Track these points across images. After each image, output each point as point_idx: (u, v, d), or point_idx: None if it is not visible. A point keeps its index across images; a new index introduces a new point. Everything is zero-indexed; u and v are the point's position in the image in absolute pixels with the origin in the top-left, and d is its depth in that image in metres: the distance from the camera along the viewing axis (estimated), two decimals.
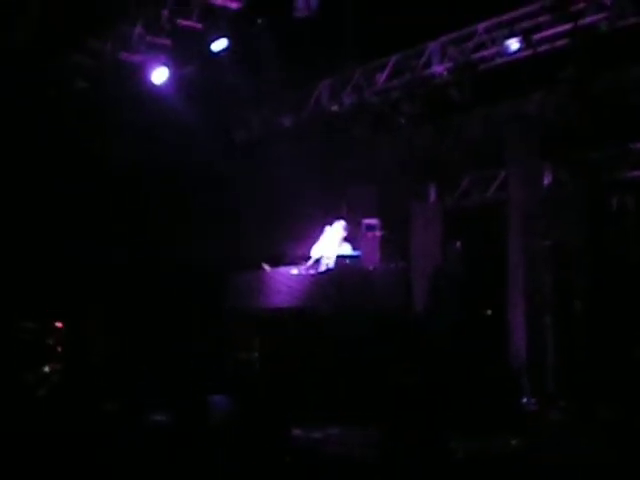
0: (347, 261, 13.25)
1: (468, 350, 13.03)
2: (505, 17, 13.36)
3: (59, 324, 15.56)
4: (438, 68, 14.29)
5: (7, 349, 13.80)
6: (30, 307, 15.27)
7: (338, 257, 13.27)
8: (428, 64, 14.40)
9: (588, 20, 12.51)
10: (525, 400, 12.89)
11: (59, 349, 14.86)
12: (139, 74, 14.77)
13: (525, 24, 13.13)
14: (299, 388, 12.01)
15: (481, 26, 13.69)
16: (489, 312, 15.55)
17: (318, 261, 13.44)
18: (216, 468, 8.08)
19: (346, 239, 13.78)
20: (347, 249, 13.68)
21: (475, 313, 14.89)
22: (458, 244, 14.81)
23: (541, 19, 12.98)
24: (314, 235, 14.10)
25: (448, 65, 14.17)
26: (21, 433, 8.79)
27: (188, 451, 8.43)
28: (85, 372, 13.82)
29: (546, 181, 15.14)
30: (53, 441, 8.56)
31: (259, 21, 14.14)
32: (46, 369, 13.71)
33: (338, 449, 9.81)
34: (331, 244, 13.62)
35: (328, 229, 13.76)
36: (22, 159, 15.36)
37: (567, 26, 12.71)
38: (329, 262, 13.31)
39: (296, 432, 10.09)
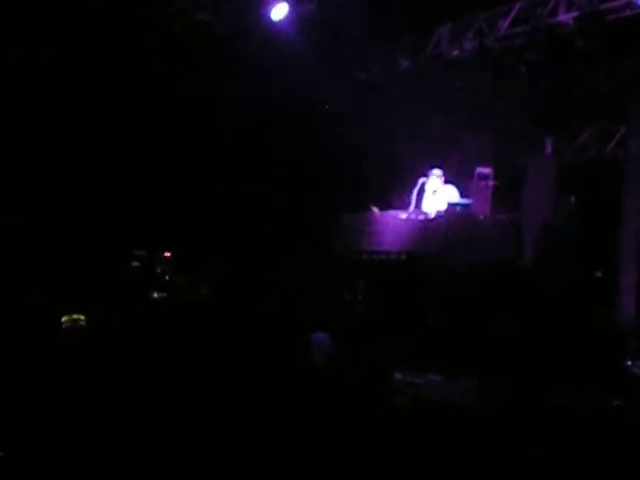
0: (457, 209, 13.13)
1: (574, 307, 12.84)
2: None
3: (167, 254, 15.86)
4: (564, 17, 13.85)
5: (120, 275, 14.12)
6: (142, 237, 15.60)
7: (449, 204, 13.16)
8: (554, 12, 13.97)
9: None
10: (630, 363, 12.63)
11: (166, 277, 15.16)
12: (259, 9, 14.70)
13: None
14: (401, 332, 12.00)
15: None
16: (598, 274, 15.28)
17: (420, 206, 13.40)
18: (317, 403, 8.13)
19: (448, 182, 13.68)
20: (452, 194, 13.53)
21: (584, 271, 14.64)
22: (572, 199, 14.50)
23: None
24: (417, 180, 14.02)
25: (574, 14, 13.73)
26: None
27: (291, 387, 8.52)
28: (192, 302, 14.05)
29: None
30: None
31: None
32: (155, 296, 14.00)
33: (438, 394, 9.78)
34: (433, 190, 13.54)
35: (423, 184, 13.70)
36: (146, 90, 15.59)
37: None
38: (436, 208, 13.22)
39: (397, 376, 10.10)
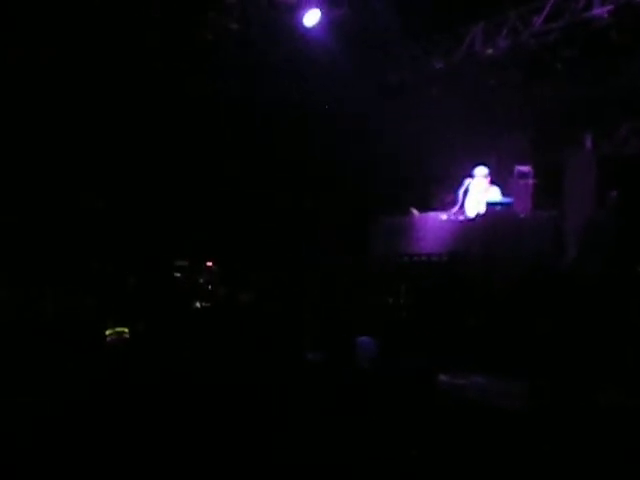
0: (497, 208, 13.06)
1: (615, 304, 12.69)
2: None
3: (209, 264, 15.92)
4: (599, 10, 13.71)
5: (163, 286, 14.20)
6: (184, 247, 15.68)
7: (488, 204, 13.09)
8: (588, 6, 13.82)
9: None
10: None
11: (209, 287, 15.22)
12: (292, 16, 14.72)
13: None
14: (446, 334, 11.93)
15: None
16: None
17: (464, 206, 13.31)
18: (363, 408, 8.11)
19: (493, 183, 13.56)
20: (496, 194, 13.45)
21: (627, 267, 14.46)
22: (614, 194, 14.33)
23: None
24: (462, 181, 13.95)
25: (609, 7, 13.57)
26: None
27: (338, 389, 8.50)
28: (234, 311, 14.08)
29: None
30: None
31: None
32: (197, 305, 14.06)
33: (481, 396, 9.71)
34: (479, 190, 13.43)
35: (468, 184, 13.60)
36: (179, 98, 15.69)
37: None
38: (479, 208, 13.14)
39: (441, 377, 10.03)
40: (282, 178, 16.72)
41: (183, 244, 15.72)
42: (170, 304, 13.35)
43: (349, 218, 16.10)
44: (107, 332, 9.74)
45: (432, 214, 13.89)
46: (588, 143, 16.15)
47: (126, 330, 9.76)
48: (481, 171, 13.86)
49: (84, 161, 15.33)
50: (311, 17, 14.60)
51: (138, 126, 15.64)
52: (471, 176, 13.84)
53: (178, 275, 15.34)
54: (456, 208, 13.68)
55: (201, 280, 15.41)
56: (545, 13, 14.43)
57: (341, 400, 8.31)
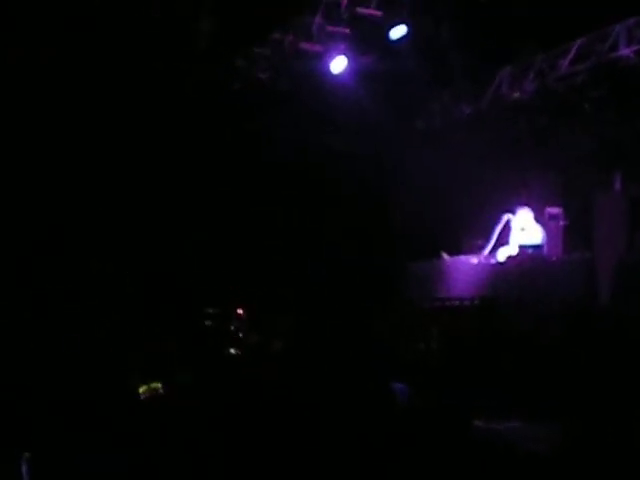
0: (529, 251, 13.02)
1: None
2: None
3: (240, 311, 15.91)
4: (625, 51, 13.73)
5: (192, 334, 14.19)
6: (214, 294, 15.70)
7: (520, 247, 13.06)
8: (614, 47, 13.86)
9: None
10: None
11: (240, 335, 15.19)
12: (319, 63, 14.85)
13: None
14: (479, 379, 11.84)
15: None
16: None
17: (494, 251, 13.27)
18: (396, 455, 8.05)
19: (535, 226, 13.53)
20: (536, 237, 13.38)
21: None
22: None
23: None
24: (493, 224, 13.91)
25: (635, 48, 13.61)
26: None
27: (372, 436, 8.44)
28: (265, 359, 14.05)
29: None
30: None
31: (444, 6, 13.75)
32: (231, 352, 14.03)
33: (518, 442, 9.60)
34: (515, 233, 13.41)
35: (512, 217, 13.53)
36: (206, 146, 15.85)
37: None
38: (511, 251, 13.11)
39: (477, 423, 9.95)
40: (312, 228, 16.74)
41: (214, 292, 15.75)
42: (202, 353, 13.33)
43: (382, 264, 16.08)
44: (140, 390, 9.64)
45: (463, 257, 13.87)
46: (617, 184, 16.08)
47: (159, 385, 9.69)
48: (524, 211, 13.80)
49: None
50: (338, 64, 14.69)
51: (152, 165, 15.77)
52: (511, 212, 13.76)
53: (209, 323, 15.34)
54: (492, 244, 13.61)
55: (232, 327, 15.40)
56: (571, 56, 14.48)
57: (380, 445, 8.27)
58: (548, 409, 10.42)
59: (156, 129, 15.53)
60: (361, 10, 13.98)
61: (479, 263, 13.45)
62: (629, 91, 14.31)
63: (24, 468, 7.13)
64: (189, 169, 16.09)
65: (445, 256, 14.21)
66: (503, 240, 13.73)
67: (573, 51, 14.45)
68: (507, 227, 13.54)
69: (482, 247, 14.02)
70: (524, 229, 13.34)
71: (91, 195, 15.32)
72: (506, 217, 13.74)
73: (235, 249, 16.45)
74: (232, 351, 13.90)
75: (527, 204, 14.10)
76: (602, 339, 11.85)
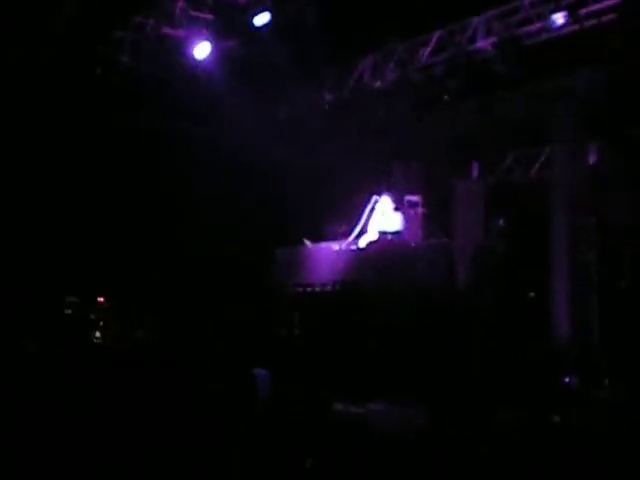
0: (389, 237, 13.20)
1: (509, 328, 12.97)
2: None
3: (101, 299, 15.67)
4: (483, 43, 14.07)
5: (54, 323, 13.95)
6: (75, 283, 15.43)
7: (380, 233, 13.22)
8: (473, 39, 14.20)
9: None
10: (567, 379, 12.76)
11: (101, 323, 14.99)
12: (181, 49, 14.71)
13: None
14: (340, 364, 11.98)
15: (527, 1, 13.47)
16: (532, 294, 15.44)
17: (359, 236, 13.40)
18: (259, 439, 8.08)
19: (393, 213, 13.71)
20: (398, 220, 13.53)
21: (517, 292, 14.81)
22: (501, 222, 14.69)
23: None
24: (356, 211, 14.04)
25: (493, 40, 13.95)
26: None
27: (235, 421, 8.46)
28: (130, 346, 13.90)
29: (591, 159, 14.99)
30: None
31: None
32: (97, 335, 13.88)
33: (379, 425, 9.75)
34: (375, 219, 13.56)
35: (375, 203, 13.68)
36: (73, 131, 15.55)
37: (614, 0, 12.47)
38: (371, 237, 13.26)
39: (337, 407, 10.06)
40: (173, 216, 16.59)
41: (74, 279, 15.46)
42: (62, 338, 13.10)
43: (244, 251, 16.06)
44: None
45: (324, 244, 13.96)
46: (475, 172, 16.53)
47: None
48: (385, 198, 13.97)
49: None
50: (201, 50, 14.57)
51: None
52: (378, 194, 13.91)
53: (69, 312, 15.06)
54: (355, 233, 13.74)
55: (93, 316, 15.16)
56: (431, 46, 14.75)
57: (237, 431, 8.28)
58: (408, 392, 10.62)
59: (15, 116, 15.12)
60: None
61: (340, 249, 13.56)
62: (486, 83, 14.68)
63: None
64: (51, 156, 15.71)
65: (307, 243, 14.27)
66: (366, 226, 13.89)
67: (433, 42, 14.72)
68: (371, 212, 13.69)
69: (344, 233, 14.12)
70: (384, 215, 13.50)
71: None
72: (374, 200, 13.87)
73: (96, 237, 16.16)
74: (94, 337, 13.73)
75: (388, 191, 14.28)
76: (457, 323, 12.17)
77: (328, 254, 13.64)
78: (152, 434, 7.88)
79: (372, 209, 13.60)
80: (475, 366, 11.23)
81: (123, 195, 16.28)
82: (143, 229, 16.39)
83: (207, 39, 14.47)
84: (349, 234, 13.73)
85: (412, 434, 8.79)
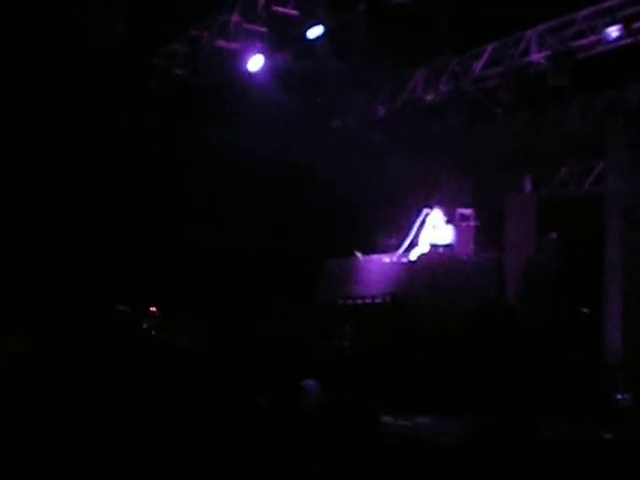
0: (440, 250, 13.20)
1: (562, 343, 12.85)
2: (605, 5, 13.03)
3: (153, 309, 15.81)
4: (536, 56, 14.00)
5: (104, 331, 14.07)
6: (127, 292, 15.58)
7: (431, 246, 13.23)
8: (526, 52, 14.13)
9: None
10: (620, 396, 12.62)
11: (153, 333, 15.10)
12: (235, 61, 14.84)
13: (625, 12, 12.79)
14: (389, 376, 11.97)
15: (580, 14, 13.38)
16: (585, 310, 15.29)
17: (410, 249, 13.42)
18: (307, 450, 8.10)
19: (445, 226, 13.71)
20: (450, 233, 13.54)
21: (570, 306, 14.67)
22: (553, 235, 14.57)
23: None
24: (407, 223, 14.06)
25: (546, 53, 13.88)
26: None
27: (283, 433, 8.48)
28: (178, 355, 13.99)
29: None
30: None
31: (360, 7, 13.83)
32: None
33: (427, 436, 9.73)
34: (426, 232, 13.57)
35: (426, 216, 13.71)
36: (124, 143, 15.75)
37: None
38: (422, 250, 13.27)
39: (386, 419, 10.06)
40: (228, 225, 16.71)
41: (126, 288, 15.62)
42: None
43: (296, 263, 16.13)
44: None
45: (376, 257, 14.00)
46: (528, 186, 16.42)
47: None
48: (437, 211, 13.98)
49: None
50: (255, 63, 14.69)
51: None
52: (429, 207, 13.92)
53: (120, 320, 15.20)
54: (405, 245, 13.77)
55: (145, 325, 15.29)
56: (484, 59, 14.71)
57: (286, 443, 8.30)
58: (457, 406, 10.59)
59: (74, 128, 15.38)
60: (278, 9, 14.02)
61: (391, 262, 13.59)
62: (539, 95, 14.61)
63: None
64: (105, 169, 15.93)
65: (359, 255, 14.32)
66: (416, 239, 13.90)
67: (486, 55, 14.68)
68: (422, 225, 13.73)
69: (395, 246, 14.15)
70: (436, 228, 13.52)
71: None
72: (424, 213, 13.90)
73: (149, 248, 16.34)
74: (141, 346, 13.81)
75: (439, 204, 14.29)
76: (509, 336, 12.09)
77: (379, 266, 13.69)
78: (199, 446, 7.93)
79: (423, 222, 13.61)
80: (526, 381, 11.14)
81: (175, 208, 16.44)
82: (195, 241, 16.53)
83: (261, 52, 14.59)
84: (400, 246, 13.76)
85: (460, 447, 8.76)
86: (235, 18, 14.40)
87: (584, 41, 13.42)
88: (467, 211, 14.19)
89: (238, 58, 14.82)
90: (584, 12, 13.33)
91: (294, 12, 14.05)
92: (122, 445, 7.83)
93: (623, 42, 12.95)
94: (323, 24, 13.98)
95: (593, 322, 14.45)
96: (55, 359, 10.34)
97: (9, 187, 14.97)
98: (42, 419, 8.22)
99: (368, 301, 13.46)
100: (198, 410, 9.07)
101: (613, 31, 12.93)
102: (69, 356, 10.80)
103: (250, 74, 14.89)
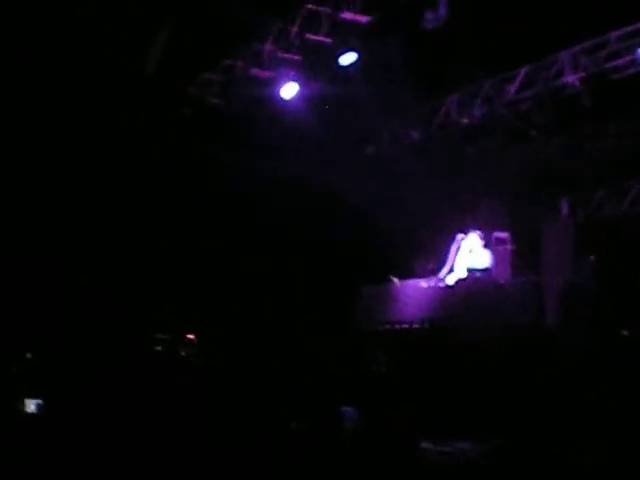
0: (477, 274, 13.14)
1: (602, 368, 12.71)
2: (638, 25, 12.98)
3: (191, 336, 15.86)
4: (570, 78, 13.96)
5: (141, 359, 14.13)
6: (164, 320, 15.66)
7: (469, 270, 13.18)
8: (560, 74, 14.09)
9: None
10: None
11: (191, 360, 15.15)
12: (269, 89, 14.93)
13: None
14: (428, 401, 11.91)
15: (614, 35, 13.33)
16: (625, 332, 15.11)
17: (447, 274, 13.37)
18: (346, 476, 8.09)
19: (482, 250, 13.65)
20: (484, 261, 13.49)
21: (609, 330, 14.51)
22: (591, 258, 14.45)
23: None
24: (443, 248, 14.02)
25: (580, 75, 13.84)
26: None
27: (323, 458, 8.47)
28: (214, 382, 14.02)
29: None
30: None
31: (393, 33, 13.85)
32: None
33: (466, 461, 9.67)
34: (463, 256, 13.52)
35: (461, 241, 13.66)
36: (156, 170, 15.88)
37: None
38: (459, 275, 13.22)
39: (425, 445, 10.00)
40: (263, 252, 16.77)
41: (164, 317, 15.71)
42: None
43: (332, 289, 16.14)
44: None
45: (412, 282, 13.96)
46: (565, 209, 16.31)
47: None
48: (474, 234, 13.94)
49: None
50: (289, 90, 14.77)
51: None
52: (464, 233, 13.89)
53: (159, 348, 15.27)
54: (445, 270, 13.72)
55: (183, 353, 15.35)
56: (518, 82, 14.69)
57: (325, 469, 8.29)
58: (496, 431, 10.51)
59: (108, 152, 15.53)
60: (311, 37, 14.09)
61: (428, 287, 13.55)
62: (574, 117, 14.55)
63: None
64: (142, 196, 16.07)
65: (395, 280, 14.29)
66: (452, 264, 13.85)
67: (520, 77, 14.66)
68: (458, 249, 13.67)
69: (432, 271, 14.10)
70: (472, 252, 13.46)
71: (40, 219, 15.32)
72: (460, 237, 13.86)
73: (185, 275, 16.42)
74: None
75: (476, 228, 14.23)
76: (548, 362, 11.99)
77: (416, 291, 13.64)
78: (237, 472, 7.95)
79: (459, 246, 13.56)
80: (566, 406, 11.04)
81: (210, 234, 16.52)
82: (232, 266, 16.60)
83: (294, 79, 14.67)
84: (437, 271, 13.71)
85: (494, 471, 8.72)
86: (268, 47, 14.47)
87: (618, 62, 13.36)
88: (503, 234, 14.11)
89: (272, 86, 14.90)
90: (617, 32, 13.29)
91: (327, 40, 14.10)
92: (163, 471, 7.88)
93: None
94: (356, 51, 14.03)
95: (633, 345, 14.29)
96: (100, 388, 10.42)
97: (31, 197, 15.17)
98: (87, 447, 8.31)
99: (406, 326, 13.42)
100: (232, 435, 9.10)
101: None
102: (114, 384, 10.91)
103: (284, 102, 14.96)
